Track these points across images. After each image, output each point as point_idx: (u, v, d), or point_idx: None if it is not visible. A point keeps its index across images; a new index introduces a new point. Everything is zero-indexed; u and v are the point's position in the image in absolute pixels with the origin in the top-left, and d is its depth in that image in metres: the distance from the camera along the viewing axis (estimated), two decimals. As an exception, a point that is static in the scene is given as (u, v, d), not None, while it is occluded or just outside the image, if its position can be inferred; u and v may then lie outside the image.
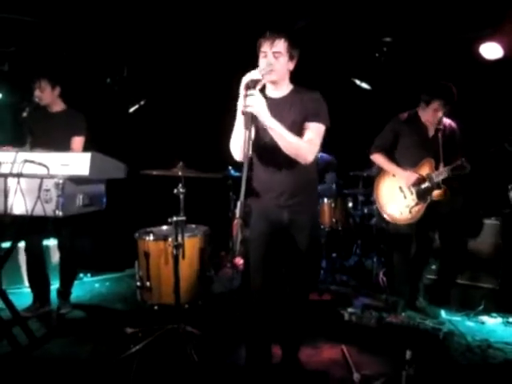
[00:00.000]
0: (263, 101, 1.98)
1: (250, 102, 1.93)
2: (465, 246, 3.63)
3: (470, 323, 3.27)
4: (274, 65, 2.13)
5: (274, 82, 2.21)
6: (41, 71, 3.38)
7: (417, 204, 3.27)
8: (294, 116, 2.17)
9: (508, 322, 3.26)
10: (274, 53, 2.14)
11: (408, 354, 2.30)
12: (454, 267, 3.57)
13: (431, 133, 3.31)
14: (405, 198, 3.33)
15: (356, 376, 2.41)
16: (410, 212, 3.29)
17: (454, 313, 3.40)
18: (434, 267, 3.69)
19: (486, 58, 3.75)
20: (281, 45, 2.14)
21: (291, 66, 2.23)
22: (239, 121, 2.09)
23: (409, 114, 3.38)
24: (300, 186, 2.27)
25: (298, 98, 2.19)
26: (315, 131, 2.17)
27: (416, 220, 3.28)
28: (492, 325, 3.26)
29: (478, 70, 3.93)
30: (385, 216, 3.44)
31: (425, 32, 4.19)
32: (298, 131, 2.15)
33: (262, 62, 2.16)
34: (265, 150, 2.22)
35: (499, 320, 3.31)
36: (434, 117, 3.24)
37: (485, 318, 3.33)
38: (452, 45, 4.10)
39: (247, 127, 1.89)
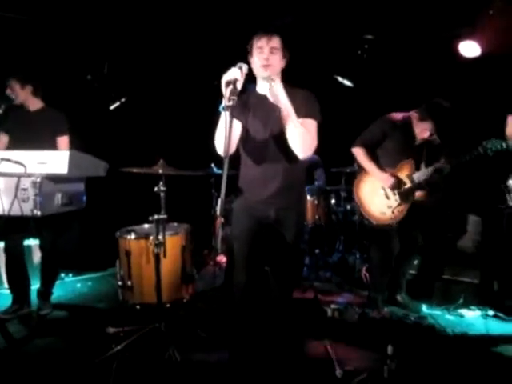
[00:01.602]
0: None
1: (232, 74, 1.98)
2: (446, 242, 3.68)
3: (450, 317, 3.33)
4: (270, 60, 2.15)
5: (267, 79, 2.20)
6: (9, 70, 3.33)
7: (399, 205, 3.26)
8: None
9: (486, 315, 3.32)
10: (271, 48, 2.16)
11: (390, 348, 2.33)
12: (435, 263, 3.62)
13: (418, 142, 3.32)
14: (387, 198, 3.31)
15: (339, 372, 2.43)
16: (393, 212, 3.27)
17: (435, 307, 3.46)
18: (415, 262, 3.73)
19: (464, 56, 3.82)
20: (277, 41, 2.18)
21: (283, 64, 2.24)
22: (223, 117, 2.08)
23: (403, 117, 3.31)
24: (288, 183, 2.26)
25: (291, 96, 2.19)
26: (313, 127, 2.21)
27: (397, 220, 3.27)
28: (471, 318, 3.32)
29: (458, 68, 3.99)
30: (365, 216, 3.39)
31: (406, 30, 4.23)
32: None
33: (258, 57, 2.16)
34: (255, 146, 2.24)
35: (478, 313, 3.37)
36: (421, 133, 3.27)
37: (464, 312, 3.39)
38: (432, 43, 4.15)
39: (228, 123, 1.88)
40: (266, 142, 2.22)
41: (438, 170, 3.16)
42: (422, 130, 3.26)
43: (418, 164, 3.27)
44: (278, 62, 2.19)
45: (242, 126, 2.24)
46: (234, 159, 2.17)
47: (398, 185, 3.27)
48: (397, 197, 3.28)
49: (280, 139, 2.17)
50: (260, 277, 2.37)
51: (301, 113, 2.17)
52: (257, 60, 2.17)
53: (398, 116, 3.33)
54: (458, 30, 3.83)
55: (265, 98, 2.21)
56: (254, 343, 2.40)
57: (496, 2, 3.55)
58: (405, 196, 3.26)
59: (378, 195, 3.34)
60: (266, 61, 2.14)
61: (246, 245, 2.28)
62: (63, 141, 3.33)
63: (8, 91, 3.24)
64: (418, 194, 3.29)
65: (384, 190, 3.32)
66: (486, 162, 3.28)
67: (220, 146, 2.17)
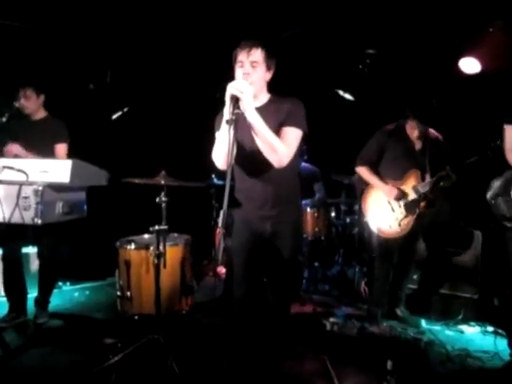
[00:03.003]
0: (251, 88, 1.95)
1: (240, 87, 1.90)
2: (446, 257, 3.68)
3: (449, 332, 3.31)
4: (251, 75, 2.07)
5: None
6: (27, 80, 3.35)
7: (406, 217, 3.26)
8: (272, 125, 2.09)
9: (486, 331, 3.31)
10: (251, 62, 2.08)
11: (389, 364, 2.32)
12: (435, 277, 3.61)
13: (417, 145, 3.33)
14: (393, 211, 3.31)
15: (337, 387, 2.41)
16: (400, 225, 3.27)
17: (434, 322, 3.44)
18: (415, 277, 3.72)
19: (465, 73, 3.85)
20: (258, 54, 2.09)
21: (268, 76, 2.17)
22: (223, 129, 2.07)
23: (395, 126, 3.37)
24: (282, 196, 2.24)
25: (276, 107, 2.15)
26: (292, 136, 2.12)
27: (405, 233, 3.27)
28: (471, 334, 3.31)
29: (459, 83, 4.03)
30: (374, 230, 3.38)
31: (407, 45, 4.28)
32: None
33: (238, 72, 2.11)
34: (246, 160, 2.19)
35: (477, 329, 3.36)
36: (411, 133, 3.30)
37: (464, 327, 3.38)
38: (433, 58, 4.20)
39: (231, 134, 1.87)
40: (255, 157, 2.11)
41: (444, 178, 3.15)
42: (411, 130, 3.28)
43: (424, 173, 3.28)
44: (259, 77, 2.11)
45: (235, 138, 2.19)
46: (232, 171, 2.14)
47: (401, 196, 3.27)
48: (402, 209, 3.28)
49: None
50: (259, 289, 2.36)
51: (286, 122, 2.11)
52: (238, 75, 2.10)
53: (390, 126, 3.39)
54: (458, 47, 3.87)
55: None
56: (252, 356, 2.39)
57: (496, 20, 3.60)
58: (410, 208, 3.26)
59: (384, 209, 3.35)
60: (247, 76, 2.05)
61: (245, 257, 2.28)
62: (61, 148, 3.33)
63: (22, 101, 3.25)
64: (423, 205, 3.27)
65: (390, 203, 3.33)
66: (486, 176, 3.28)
67: (219, 160, 2.16)
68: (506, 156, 2.52)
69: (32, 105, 3.30)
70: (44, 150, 3.15)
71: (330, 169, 4.56)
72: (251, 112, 1.97)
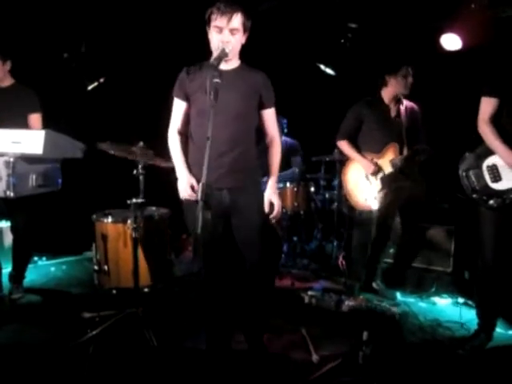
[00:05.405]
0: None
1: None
2: (421, 232, 3.76)
3: (422, 304, 3.42)
4: (230, 43, 2.06)
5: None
6: None
7: (382, 190, 3.31)
8: (247, 91, 2.19)
9: (457, 303, 3.42)
10: (231, 30, 2.05)
11: (365, 334, 2.37)
12: (410, 252, 3.70)
13: (393, 114, 3.35)
14: (371, 184, 3.36)
15: (315, 357, 2.46)
16: (375, 198, 3.32)
17: (409, 294, 3.54)
18: (391, 251, 3.80)
19: (446, 49, 3.85)
20: (238, 20, 2.06)
21: (244, 39, 2.16)
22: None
23: (372, 97, 3.39)
24: (240, 167, 2.21)
25: (246, 75, 2.21)
26: (274, 116, 2.33)
27: (381, 207, 3.31)
28: (442, 305, 3.42)
29: (440, 59, 4.04)
30: (351, 203, 3.44)
31: (390, 20, 4.24)
32: (250, 104, 2.22)
33: (215, 37, 2.08)
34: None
35: (449, 301, 3.47)
36: (405, 84, 3.25)
37: (436, 299, 3.49)
38: (416, 33, 4.18)
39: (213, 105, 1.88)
40: (218, 126, 2.02)
41: (420, 151, 3.18)
42: (403, 80, 3.24)
43: (402, 146, 3.30)
44: (237, 42, 2.12)
45: (196, 109, 2.21)
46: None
47: (378, 171, 3.30)
48: (378, 182, 3.32)
49: (237, 119, 2.15)
50: (232, 262, 2.35)
51: (265, 102, 2.25)
52: (215, 40, 2.08)
53: (365, 98, 3.42)
54: (440, 22, 3.86)
55: (224, 73, 2.01)
56: (230, 329, 2.41)
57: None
58: (386, 181, 3.30)
59: (362, 182, 3.39)
60: (227, 44, 2.04)
61: (209, 234, 2.21)
62: (35, 118, 3.20)
63: None
64: (400, 178, 3.30)
65: (367, 177, 3.36)
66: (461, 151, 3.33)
67: (174, 136, 2.32)
68: (478, 127, 2.55)
69: None
70: (13, 118, 3.00)
71: (309, 150, 4.55)
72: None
